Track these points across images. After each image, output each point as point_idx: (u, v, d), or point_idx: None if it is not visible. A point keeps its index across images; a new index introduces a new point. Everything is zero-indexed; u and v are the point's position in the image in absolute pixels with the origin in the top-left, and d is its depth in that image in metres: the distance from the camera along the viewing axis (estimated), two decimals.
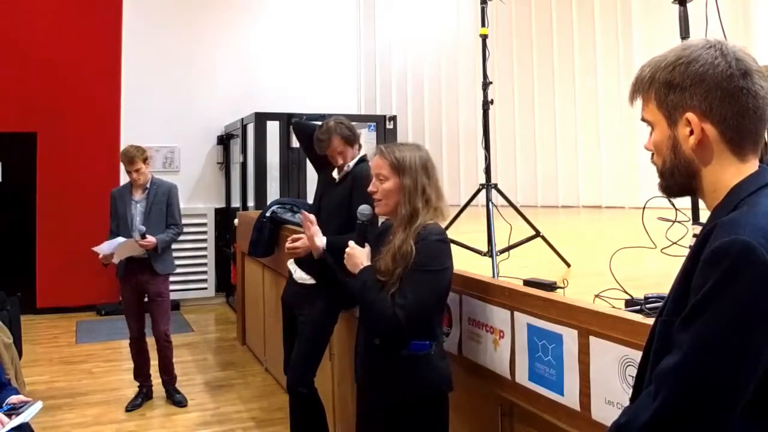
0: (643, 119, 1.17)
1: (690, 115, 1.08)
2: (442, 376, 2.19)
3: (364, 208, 2.37)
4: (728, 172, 1.08)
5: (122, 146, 4.67)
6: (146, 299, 4.46)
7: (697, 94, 1.07)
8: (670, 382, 0.98)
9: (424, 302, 2.10)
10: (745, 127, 1.07)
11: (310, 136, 3.31)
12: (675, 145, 1.12)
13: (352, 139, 3.16)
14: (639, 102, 1.17)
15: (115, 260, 4.27)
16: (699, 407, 0.96)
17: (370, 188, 2.27)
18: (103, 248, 4.20)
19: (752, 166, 1.09)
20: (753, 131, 1.08)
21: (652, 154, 1.18)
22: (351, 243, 2.30)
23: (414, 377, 2.14)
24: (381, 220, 2.50)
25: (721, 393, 0.95)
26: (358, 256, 2.25)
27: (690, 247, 1.20)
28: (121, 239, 4.19)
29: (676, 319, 1.02)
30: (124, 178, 4.52)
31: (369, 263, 2.23)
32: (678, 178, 1.13)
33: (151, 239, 4.21)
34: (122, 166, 4.44)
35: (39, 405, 2.44)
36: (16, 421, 2.30)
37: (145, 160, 4.33)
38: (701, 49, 1.08)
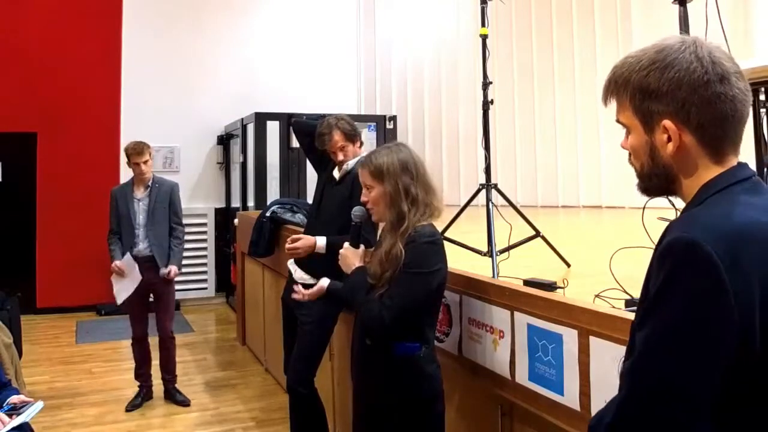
0: (618, 121, 1.15)
1: (667, 123, 1.06)
2: (431, 380, 2.16)
3: (357, 210, 2.37)
4: (706, 175, 1.07)
5: (122, 146, 4.65)
6: (151, 298, 4.44)
7: (674, 102, 1.05)
8: (628, 383, 0.99)
9: (411, 304, 2.08)
10: (724, 132, 1.05)
11: (310, 135, 3.31)
12: (653, 150, 1.10)
13: (353, 135, 3.16)
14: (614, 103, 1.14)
15: (115, 289, 4.30)
16: (656, 407, 0.95)
17: (362, 198, 2.27)
18: (124, 266, 4.22)
19: (729, 165, 1.07)
20: (731, 135, 1.06)
21: (630, 155, 1.16)
22: (345, 244, 2.32)
23: (402, 379, 2.13)
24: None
25: (677, 393, 0.94)
26: (351, 257, 2.27)
27: None
28: (136, 277, 4.23)
29: None
30: (124, 178, 4.51)
31: (362, 264, 2.24)
32: (657, 181, 1.13)
33: (173, 270, 4.31)
34: (122, 166, 4.44)
35: (40, 405, 2.44)
36: (17, 421, 2.30)
37: (150, 155, 4.34)
38: (676, 52, 1.05)
